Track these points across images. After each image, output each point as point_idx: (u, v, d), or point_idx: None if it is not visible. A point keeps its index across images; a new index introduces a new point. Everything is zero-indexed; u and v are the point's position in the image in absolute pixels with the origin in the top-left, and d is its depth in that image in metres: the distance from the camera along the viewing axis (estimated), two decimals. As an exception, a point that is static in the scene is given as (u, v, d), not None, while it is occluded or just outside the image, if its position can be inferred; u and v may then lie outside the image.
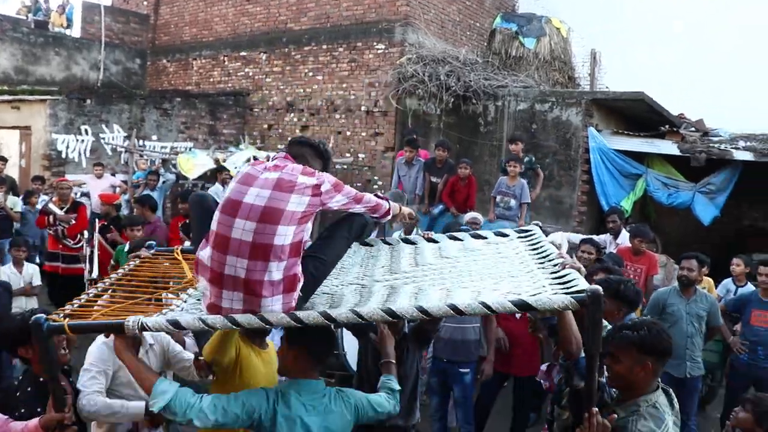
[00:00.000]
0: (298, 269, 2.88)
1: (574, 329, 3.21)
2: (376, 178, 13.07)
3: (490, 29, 14.15)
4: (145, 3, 18.33)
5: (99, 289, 3.29)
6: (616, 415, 2.85)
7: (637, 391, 2.93)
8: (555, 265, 3.05)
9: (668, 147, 10.28)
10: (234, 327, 2.80)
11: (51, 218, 9.00)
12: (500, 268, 3.25)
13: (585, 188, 10.84)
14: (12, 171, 13.06)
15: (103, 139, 13.60)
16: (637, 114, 11.43)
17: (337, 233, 3.28)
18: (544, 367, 4.93)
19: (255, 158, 11.23)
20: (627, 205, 10.45)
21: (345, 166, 13.14)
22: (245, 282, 2.78)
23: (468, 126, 12.01)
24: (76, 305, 3.00)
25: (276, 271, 2.79)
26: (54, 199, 9.44)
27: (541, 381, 4.94)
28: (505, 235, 3.83)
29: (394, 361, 3.63)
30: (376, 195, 3.28)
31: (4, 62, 15.50)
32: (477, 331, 5.64)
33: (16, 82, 15.33)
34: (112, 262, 7.34)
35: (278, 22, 14.98)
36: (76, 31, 17.82)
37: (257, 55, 15.25)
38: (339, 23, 13.87)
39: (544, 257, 3.26)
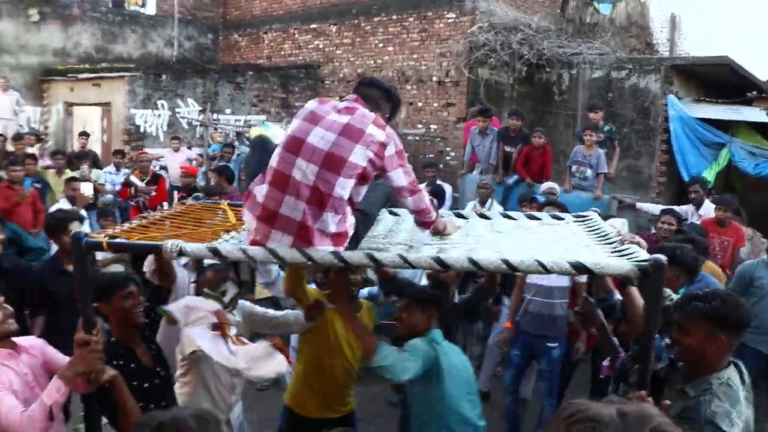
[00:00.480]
0: (348, 225, 2.79)
1: (641, 305, 3.05)
2: (448, 149, 12.99)
3: (563, -5, 13.78)
4: (217, -22, 18.59)
5: (144, 221, 3.27)
6: (668, 402, 2.63)
7: (708, 367, 2.75)
8: (614, 243, 2.94)
9: (755, 114, 9.82)
10: (274, 260, 2.74)
11: (133, 190, 9.31)
12: (557, 244, 3.14)
13: (664, 158, 10.52)
14: (95, 146, 13.53)
15: (179, 113, 13.93)
16: (720, 80, 10.96)
17: (374, 188, 3.10)
18: (606, 362, 4.80)
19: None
20: (709, 175, 10.07)
21: (417, 138, 13.10)
22: (299, 225, 2.68)
23: (541, 95, 11.78)
24: (118, 229, 2.98)
25: (331, 223, 2.69)
26: (135, 171, 9.74)
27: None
28: (560, 218, 3.73)
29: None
30: (431, 200, 3.03)
31: (85, 42, 15.99)
32: (564, 307, 5.55)
33: (97, 60, 15.82)
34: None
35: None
36: (150, 9, 18.20)
37: (327, 27, 15.28)
38: (409, -7, 13.76)
39: (603, 237, 3.14)
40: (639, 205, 9.07)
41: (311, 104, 2.89)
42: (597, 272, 2.48)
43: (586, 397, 3.05)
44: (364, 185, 2.81)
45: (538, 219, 3.74)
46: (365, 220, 3.01)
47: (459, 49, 12.65)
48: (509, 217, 3.75)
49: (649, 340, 2.55)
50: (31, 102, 15.10)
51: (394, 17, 13.92)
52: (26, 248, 6.64)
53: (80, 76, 14.57)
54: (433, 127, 13.28)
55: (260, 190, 2.79)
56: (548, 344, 5.54)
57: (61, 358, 3.15)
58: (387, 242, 3.17)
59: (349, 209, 2.77)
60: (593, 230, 3.34)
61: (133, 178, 9.49)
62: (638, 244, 2.82)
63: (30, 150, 10.64)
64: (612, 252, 2.80)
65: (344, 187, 2.68)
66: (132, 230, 3.04)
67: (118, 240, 2.78)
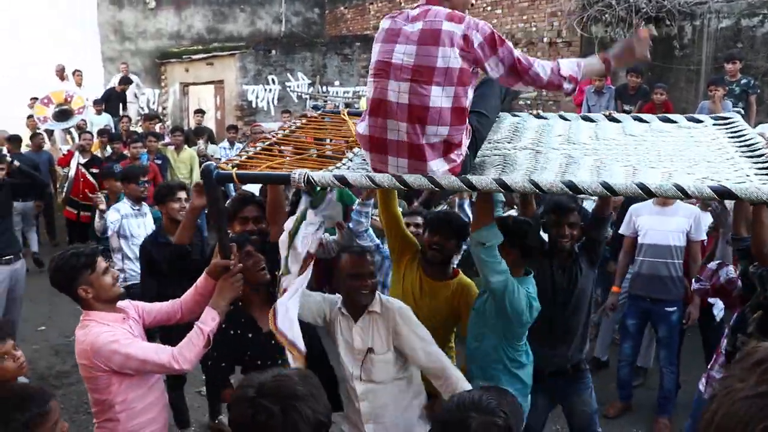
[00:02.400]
0: (461, 137, 2.61)
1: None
2: (561, 112, 12.51)
3: (684, -58, 12.91)
4: (322, -47, 18.69)
5: (266, 143, 3.25)
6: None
7: None
8: (761, 155, 2.56)
9: None
10: (402, 186, 2.62)
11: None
12: (694, 152, 2.77)
13: (802, 111, 9.70)
14: (209, 123, 14.00)
15: (289, 87, 14.17)
16: None
17: (487, 85, 2.93)
18: (713, 265, 4.41)
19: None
20: None
21: (528, 102, 12.72)
22: (409, 146, 2.58)
23: (661, 50, 11.09)
24: (244, 157, 2.99)
25: (435, 136, 2.55)
26: (249, 144, 9.95)
27: (699, 284, 4.45)
28: (699, 121, 3.27)
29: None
30: (556, 66, 2.60)
31: (197, 24, 16.52)
32: (680, 267, 5.19)
33: (209, 41, 16.32)
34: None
35: None
36: (258, -13, 18.59)
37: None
38: (516, -48, 13.30)
39: (747, 145, 2.75)
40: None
41: (385, 23, 2.69)
42: (744, 198, 2.18)
43: (701, 364, 2.74)
44: (467, 86, 2.56)
45: (674, 122, 3.33)
46: (482, 122, 2.83)
47: (571, 6, 12.11)
48: (641, 120, 3.37)
49: None
50: (150, 84, 15.80)
51: (502, -22, 13.52)
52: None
53: (194, 57, 15.09)
54: (544, 90, 12.84)
55: (362, 126, 2.70)
56: (666, 309, 5.18)
57: (156, 305, 3.33)
58: (512, 147, 3.00)
59: (460, 122, 2.58)
60: (736, 136, 2.94)
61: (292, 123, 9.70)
62: None
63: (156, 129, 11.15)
64: (758, 168, 2.44)
65: (440, 95, 2.50)
66: (258, 155, 3.03)
67: (247, 172, 2.78)
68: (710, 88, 8.38)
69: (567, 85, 2.60)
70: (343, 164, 2.94)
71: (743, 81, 8.63)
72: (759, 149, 2.64)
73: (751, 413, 1.04)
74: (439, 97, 2.50)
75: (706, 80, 9.61)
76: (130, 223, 5.75)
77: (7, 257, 5.94)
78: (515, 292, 3.14)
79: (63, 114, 11.40)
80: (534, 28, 12.99)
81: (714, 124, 3.18)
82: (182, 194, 4.86)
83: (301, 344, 2.92)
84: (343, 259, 3.38)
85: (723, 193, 2.18)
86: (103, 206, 6.16)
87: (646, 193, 2.27)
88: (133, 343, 2.95)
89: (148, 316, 3.27)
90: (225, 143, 10.84)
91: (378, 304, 3.30)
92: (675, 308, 5.17)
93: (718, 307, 5.15)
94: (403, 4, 15.86)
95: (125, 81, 13.85)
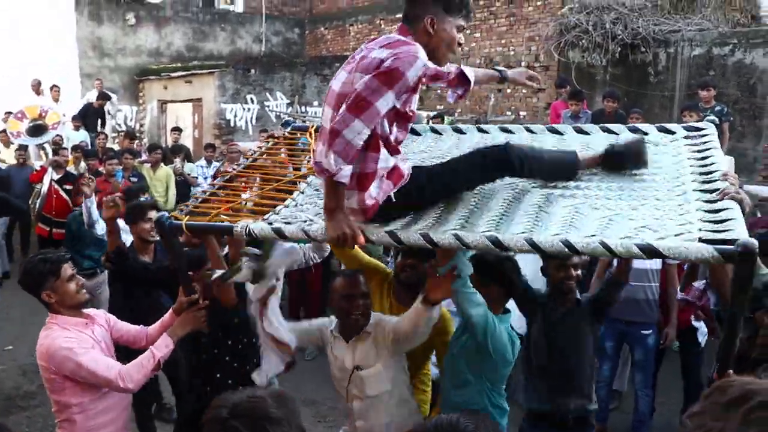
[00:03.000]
0: (375, 166, 2.45)
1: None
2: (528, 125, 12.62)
3: (659, -29, 13.16)
4: (302, -27, 18.80)
5: (224, 180, 3.35)
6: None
7: None
8: (713, 192, 2.46)
9: None
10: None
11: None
12: (648, 185, 2.67)
13: (772, 138, 9.87)
14: (186, 141, 13.92)
15: (268, 106, 14.15)
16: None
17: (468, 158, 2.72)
18: (700, 284, 4.41)
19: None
20: (825, 155, 9.40)
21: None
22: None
23: (636, 77, 11.28)
24: (199, 200, 3.12)
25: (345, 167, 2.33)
26: (225, 163, 9.91)
27: (687, 297, 4.47)
28: (671, 132, 3.12)
29: None
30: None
31: (177, 41, 16.50)
32: (655, 291, 5.22)
33: (188, 58, 16.29)
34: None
35: None
36: (239, 6, 18.59)
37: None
38: (495, -23, 13.47)
39: (707, 172, 2.64)
40: (746, 187, 8.46)
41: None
42: (671, 256, 2.14)
43: (679, 387, 2.65)
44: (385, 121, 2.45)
45: (645, 134, 3.13)
46: (433, 181, 2.65)
47: (549, 32, 12.25)
48: (609, 131, 3.21)
49: (734, 325, 2.24)
50: (129, 101, 15.71)
51: (481, 2, 13.65)
52: (123, 239, 6.88)
53: (173, 74, 15.04)
54: (522, 113, 12.97)
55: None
56: (642, 331, 5.19)
57: (127, 326, 3.48)
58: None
59: (372, 149, 2.42)
60: (701, 156, 2.82)
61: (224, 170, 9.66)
62: (740, 202, 2.33)
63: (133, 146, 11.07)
64: (705, 211, 2.36)
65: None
66: (214, 198, 3.13)
67: (194, 223, 2.87)
68: (684, 114, 8.48)
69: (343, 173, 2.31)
70: (293, 201, 2.95)
71: (717, 108, 8.76)
72: (716, 179, 2.55)
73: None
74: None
75: (679, 106, 9.76)
76: None
77: None
78: (496, 326, 3.05)
79: (37, 129, 11.28)
80: (512, 53, 13.13)
81: (685, 137, 3.05)
82: (153, 214, 4.78)
83: (288, 338, 3.06)
84: (336, 281, 3.37)
85: (650, 252, 2.14)
86: (88, 190, 5.88)
87: (571, 250, 2.23)
88: (87, 353, 3.06)
89: (116, 332, 3.40)
90: (202, 161, 10.77)
91: (372, 323, 3.29)
92: (651, 331, 5.19)
93: (702, 332, 5.19)
94: (383, 26, 15.97)
95: (103, 96, 13.76)
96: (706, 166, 2.71)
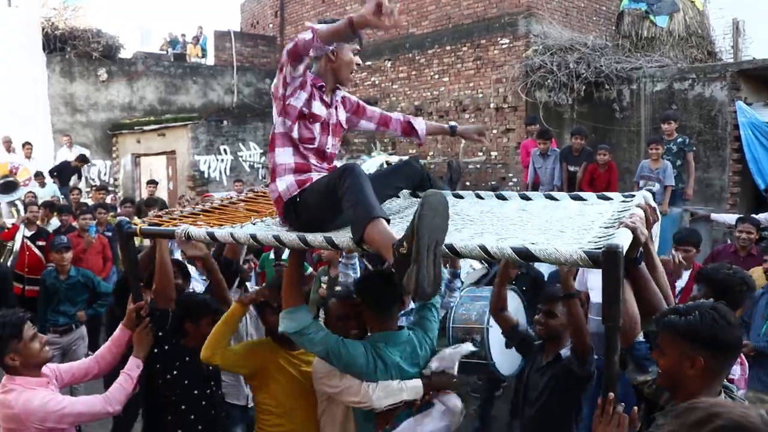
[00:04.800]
0: (275, 161, 3.06)
1: (628, 303, 2.50)
2: (510, 174, 12.82)
3: (617, 12, 13.55)
4: (271, 25, 19.07)
5: (197, 208, 3.75)
6: (636, 408, 2.36)
7: (691, 394, 2.20)
8: (612, 225, 2.58)
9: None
10: (246, 242, 3.04)
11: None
12: (563, 224, 2.80)
13: (737, 168, 10.09)
14: (161, 193, 13.93)
15: (241, 157, 14.24)
16: (791, 83, 10.53)
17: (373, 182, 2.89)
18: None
19: (388, 163, 11.32)
20: (787, 181, 9.62)
21: (478, 166, 13.00)
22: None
23: (602, 113, 11.53)
24: (164, 217, 3.51)
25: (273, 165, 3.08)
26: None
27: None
28: (608, 199, 3.22)
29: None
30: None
31: (149, 95, 16.61)
32: None
33: (160, 112, 16.40)
34: (256, 269, 7.56)
35: (400, 28, 15.07)
36: (210, 60, 18.81)
37: (382, 63, 15.42)
38: (461, 23, 13.77)
39: (615, 218, 2.74)
40: (714, 216, 8.69)
41: None
42: (543, 259, 2.23)
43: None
44: (285, 117, 3.01)
45: (584, 200, 3.26)
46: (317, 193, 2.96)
47: (515, 73, 12.53)
48: (552, 198, 3.32)
49: (613, 335, 2.23)
50: (102, 155, 15.71)
51: (448, 48, 13.94)
52: (99, 293, 6.83)
53: (146, 128, 15.12)
54: (493, 154, 13.15)
55: None
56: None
57: (71, 365, 3.60)
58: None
59: (290, 149, 3.04)
60: (621, 211, 2.90)
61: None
62: (633, 230, 2.35)
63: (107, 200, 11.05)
64: (598, 236, 2.47)
65: (277, 125, 3.06)
66: (181, 218, 3.48)
67: (146, 227, 3.30)
68: (651, 147, 8.68)
69: (307, 35, 2.78)
70: (240, 226, 3.26)
71: (679, 140, 8.99)
72: (615, 220, 2.67)
73: None
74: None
75: (646, 140, 9.97)
76: None
77: None
78: (343, 351, 3.03)
79: (8, 186, 11.23)
80: (481, 95, 13.37)
81: (621, 201, 3.13)
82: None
83: None
84: (330, 303, 3.54)
85: (524, 254, 2.26)
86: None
87: (453, 253, 2.40)
88: (64, 400, 3.15)
89: (64, 376, 3.45)
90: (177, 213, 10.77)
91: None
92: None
93: None
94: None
95: (82, 159, 13.71)
96: (621, 212, 2.81)
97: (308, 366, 3.43)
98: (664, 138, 8.99)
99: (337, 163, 3.36)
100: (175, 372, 3.63)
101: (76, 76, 15.65)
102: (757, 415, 1.05)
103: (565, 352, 3.63)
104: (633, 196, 3.11)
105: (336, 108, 3.22)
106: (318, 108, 3.08)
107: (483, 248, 2.33)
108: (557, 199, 3.30)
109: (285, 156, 3.05)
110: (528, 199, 3.36)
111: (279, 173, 3.05)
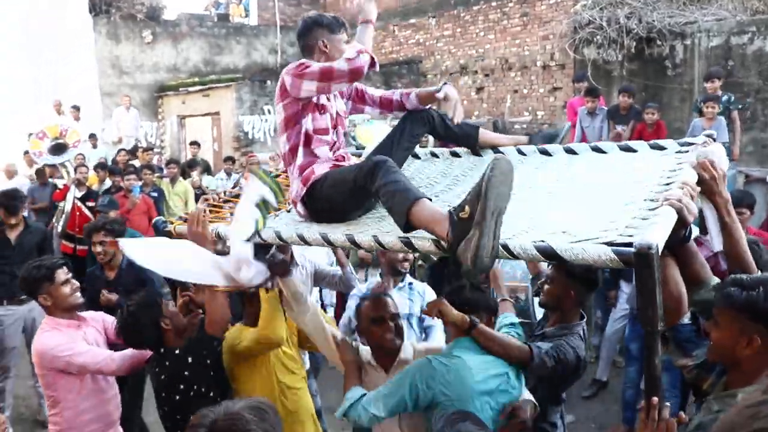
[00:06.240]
0: (294, 178, 2.98)
1: (673, 282, 2.34)
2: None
3: (673, -37, 13.02)
4: (315, -17, 18.87)
5: (232, 195, 3.60)
6: (685, 417, 2.11)
7: (745, 374, 2.07)
8: (661, 192, 2.36)
9: None
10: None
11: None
12: (604, 194, 2.57)
13: (796, 127, 9.70)
14: (206, 154, 14.04)
15: (286, 117, 14.20)
16: None
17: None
18: None
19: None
20: None
21: (524, 126, 12.75)
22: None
23: (653, 71, 11.16)
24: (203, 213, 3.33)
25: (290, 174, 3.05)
26: (245, 175, 9.97)
27: None
28: (662, 148, 2.96)
29: (509, 298, 3.47)
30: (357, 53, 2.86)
31: (194, 56, 16.63)
32: None
33: (205, 73, 16.42)
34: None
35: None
36: (253, 20, 18.69)
37: (426, 21, 15.15)
38: (507, -23, 13.42)
39: (669, 182, 2.50)
40: (772, 175, 8.40)
41: None
42: (569, 260, 2.04)
43: None
44: (296, 125, 2.96)
45: (635, 151, 2.99)
46: (330, 184, 2.88)
47: (563, 30, 12.18)
48: (600, 150, 3.09)
49: (651, 339, 2.05)
50: (148, 117, 15.87)
51: (494, 4, 13.62)
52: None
53: (191, 89, 15.17)
54: (540, 113, 12.89)
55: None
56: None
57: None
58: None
59: (301, 150, 2.96)
60: (673, 170, 2.65)
61: (243, 182, 9.70)
62: (679, 210, 2.17)
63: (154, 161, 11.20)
64: (638, 217, 2.24)
65: (282, 142, 3.02)
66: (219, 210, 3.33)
67: (181, 226, 3.11)
68: (706, 104, 8.37)
69: (363, 59, 2.83)
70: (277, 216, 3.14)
71: (724, 98, 8.64)
72: (665, 185, 2.46)
73: (741, 419, 1.03)
74: (282, 145, 3.02)
75: (700, 96, 9.62)
76: None
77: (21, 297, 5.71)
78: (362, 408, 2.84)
79: (58, 148, 11.40)
80: (527, 53, 13.06)
81: (677, 151, 2.87)
82: (97, 237, 5.05)
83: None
84: (363, 306, 3.28)
85: (549, 254, 2.08)
86: None
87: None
88: (74, 347, 3.32)
89: (111, 330, 3.61)
90: (222, 174, 10.86)
91: (410, 351, 3.20)
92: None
93: None
94: (396, 32, 15.96)
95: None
96: (672, 175, 2.58)
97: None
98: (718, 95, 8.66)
99: (384, 122, 3.35)
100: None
101: (122, 38, 15.74)
102: None
103: None
104: (692, 144, 2.83)
105: (335, 97, 3.15)
106: (323, 98, 3.03)
107: (506, 247, 2.15)
108: (605, 152, 3.07)
109: (300, 157, 2.98)
110: (574, 153, 3.14)
111: (293, 177, 3.01)
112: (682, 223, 2.23)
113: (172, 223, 3.19)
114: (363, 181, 2.62)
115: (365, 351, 3.27)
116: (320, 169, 2.92)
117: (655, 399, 2.05)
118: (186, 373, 3.27)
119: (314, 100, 2.94)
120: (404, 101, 3.29)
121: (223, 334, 3.30)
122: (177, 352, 3.29)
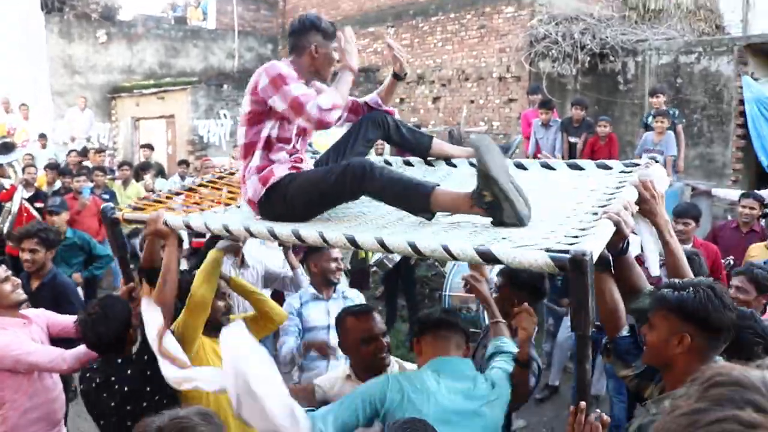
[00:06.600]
0: (247, 172, 2.96)
1: (609, 296, 2.45)
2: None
3: (626, -18, 13.36)
4: (274, -11, 18.81)
5: (184, 188, 3.68)
6: (607, 418, 2.19)
7: (677, 375, 2.15)
8: (603, 205, 2.48)
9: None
10: (206, 230, 2.94)
11: (197, 197, 9.42)
12: (548, 206, 2.65)
13: (740, 144, 10.00)
14: (160, 157, 13.84)
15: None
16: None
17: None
18: None
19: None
20: (792, 159, 9.55)
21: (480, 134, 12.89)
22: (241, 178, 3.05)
23: (606, 85, 11.42)
24: (149, 201, 3.43)
25: (242, 168, 3.01)
26: (198, 178, 9.87)
27: None
28: (607, 168, 3.03)
29: (503, 321, 3.14)
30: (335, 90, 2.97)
31: (149, 58, 16.41)
32: None
33: (160, 75, 16.21)
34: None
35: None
36: (211, 23, 18.54)
37: (385, 29, 15.22)
38: (466, -10, 13.58)
39: (610, 199, 2.59)
40: (715, 191, 8.65)
41: None
42: (506, 263, 2.11)
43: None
44: (260, 123, 2.94)
45: (582, 169, 3.08)
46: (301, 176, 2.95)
47: (519, 43, 12.38)
48: (549, 167, 3.15)
49: (583, 344, 2.14)
50: (100, 118, 15.58)
51: (452, 15, 13.76)
52: (94, 255, 6.81)
53: (145, 91, 14.96)
54: (495, 124, 13.04)
55: None
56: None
57: (65, 318, 3.63)
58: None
59: (258, 152, 2.94)
60: (617, 188, 2.75)
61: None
62: (617, 223, 2.26)
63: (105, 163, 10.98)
64: (578, 229, 2.32)
65: (241, 134, 3.00)
66: (161, 201, 3.38)
67: (129, 214, 3.19)
68: (657, 119, 8.61)
69: (333, 115, 2.89)
70: (222, 211, 3.20)
71: (669, 113, 8.91)
72: (607, 200, 2.56)
73: (678, 428, 1.03)
74: (241, 137, 3.00)
75: (649, 111, 9.88)
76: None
77: None
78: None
79: (5, 147, 11.13)
80: (484, 64, 13.22)
81: (621, 171, 2.96)
82: (29, 244, 4.66)
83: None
84: (347, 322, 3.10)
85: (487, 256, 2.13)
86: None
87: (416, 252, 2.27)
88: (22, 346, 3.23)
89: (54, 327, 3.58)
90: (176, 177, 10.72)
91: (396, 368, 3.08)
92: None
93: None
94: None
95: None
96: (615, 192, 2.67)
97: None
98: (653, 111, 8.95)
99: (341, 129, 3.36)
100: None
101: (75, 38, 15.44)
102: (759, 375, 1.04)
103: None
104: (636, 165, 2.96)
105: None
106: None
107: (446, 249, 2.20)
108: (554, 168, 3.15)
109: (256, 159, 2.97)
110: (523, 168, 3.18)
111: (247, 177, 2.98)
112: (619, 236, 2.34)
113: (120, 210, 3.22)
114: (351, 183, 2.68)
115: (333, 376, 3.17)
116: (279, 171, 2.91)
117: (583, 403, 2.16)
118: (149, 376, 3.01)
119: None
120: (376, 101, 3.38)
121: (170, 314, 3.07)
122: (133, 357, 3.09)
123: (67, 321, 3.58)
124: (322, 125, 2.86)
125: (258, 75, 2.90)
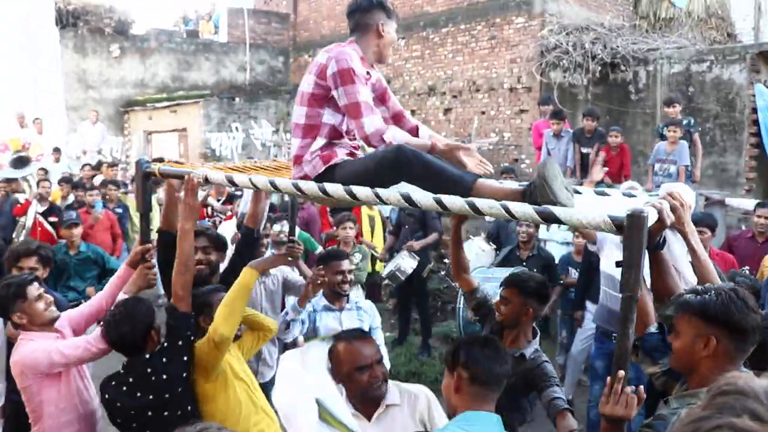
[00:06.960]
0: (307, 153, 2.97)
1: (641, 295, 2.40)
2: (523, 156, 12.71)
3: (636, -8, 13.34)
4: (284, 2, 18.89)
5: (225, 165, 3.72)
6: (644, 394, 2.22)
7: (700, 377, 2.18)
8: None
9: None
10: (255, 188, 3.07)
11: (209, 210, 9.46)
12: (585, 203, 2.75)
13: (753, 152, 9.93)
14: (173, 170, 13.90)
15: (253, 134, 14.20)
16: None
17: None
18: None
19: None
20: (806, 168, 9.47)
21: (490, 147, 12.88)
22: (294, 157, 3.06)
23: (617, 95, 11.38)
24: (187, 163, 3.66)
25: (295, 147, 3.02)
26: (211, 192, 9.90)
27: None
28: (633, 196, 3.06)
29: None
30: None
31: (162, 72, 16.55)
32: None
33: (173, 89, 16.35)
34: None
35: (414, 6, 14.92)
36: (222, 37, 18.68)
37: (395, 42, 15.24)
38: (476, 1, 13.59)
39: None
40: (729, 200, 8.58)
41: None
42: (566, 222, 2.23)
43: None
44: (320, 107, 2.95)
45: (608, 195, 3.15)
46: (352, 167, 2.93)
47: (530, 53, 12.37)
48: (578, 192, 3.13)
49: (629, 305, 2.14)
50: (113, 132, 15.72)
51: (463, 27, 13.78)
52: (108, 269, 6.83)
53: (158, 105, 15.09)
54: (506, 135, 13.02)
55: None
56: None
57: (80, 310, 3.70)
58: None
59: (321, 139, 2.96)
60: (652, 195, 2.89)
61: (210, 199, 9.65)
62: (660, 210, 2.34)
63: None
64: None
65: (299, 114, 2.98)
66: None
67: (165, 167, 3.39)
68: (669, 128, 8.56)
69: (382, 146, 2.82)
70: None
71: (684, 122, 8.87)
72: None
73: None
74: (299, 116, 2.99)
75: (663, 120, 9.84)
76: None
77: None
78: None
79: (20, 161, 11.25)
80: (495, 75, 13.22)
81: (648, 197, 2.95)
82: (28, 263, 4.40)
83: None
84: (340, 349, 2.90)
85: (546, 215, 2.25)
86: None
87: (474, 211, 2.36)
88: (51, 345, 3.25)
89: (80, 324, 3.60)
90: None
91: (395, 394, 2.88)
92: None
93: None
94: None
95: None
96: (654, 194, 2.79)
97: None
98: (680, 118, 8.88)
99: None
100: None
101: (89, 52, 15.62)
102: (763, 384, 1.08)
103: (529, 352, 3.36)
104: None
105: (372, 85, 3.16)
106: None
107: (505, 208, 2.29)
108: (579, 193, 3.12)
109: (319, 143, 2.99)
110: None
111: (307, 159, 2.99)
112: (659, 226, 2.39)
113: (155, 163, 3.44)
114: (390, 171, 2.67)
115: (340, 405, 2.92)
116: (341, 153, 2.98)
117: (621, 372, 2.18)
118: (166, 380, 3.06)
119: None
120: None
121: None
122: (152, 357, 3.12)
123: (86, 311, 3.66)
124: (370, 143, 2.87)
125: (326, 59, 2.89)
